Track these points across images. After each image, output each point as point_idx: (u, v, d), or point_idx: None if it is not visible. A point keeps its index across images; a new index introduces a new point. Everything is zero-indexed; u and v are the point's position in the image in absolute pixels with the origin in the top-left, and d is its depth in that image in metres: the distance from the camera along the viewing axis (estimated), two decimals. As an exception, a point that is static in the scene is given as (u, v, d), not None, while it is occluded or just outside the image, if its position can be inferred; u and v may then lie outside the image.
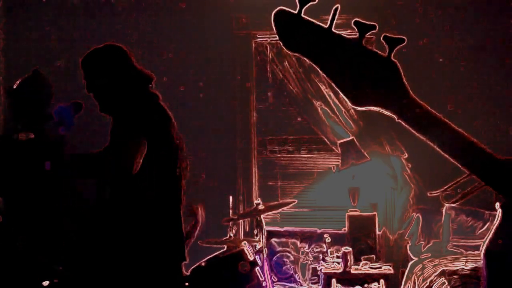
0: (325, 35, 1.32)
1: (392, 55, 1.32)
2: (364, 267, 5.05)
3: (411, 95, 1.33)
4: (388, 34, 1.31)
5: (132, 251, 2.72)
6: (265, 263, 4.44)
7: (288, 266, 5.63)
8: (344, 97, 1.34)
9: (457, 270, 4.32)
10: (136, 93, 2.86)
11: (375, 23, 1.33)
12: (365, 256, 5.13)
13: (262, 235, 4.53)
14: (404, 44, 1.31)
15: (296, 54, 1.35)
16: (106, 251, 2.75)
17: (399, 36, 1.32)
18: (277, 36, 1.35)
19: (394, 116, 1.33)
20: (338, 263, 5.09)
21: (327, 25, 1.33)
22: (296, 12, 1.33)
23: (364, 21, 1.31)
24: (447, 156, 1.34)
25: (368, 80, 1.32)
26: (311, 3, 1.32)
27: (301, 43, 1.33)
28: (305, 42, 1.32)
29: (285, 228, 5.72)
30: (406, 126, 1.35)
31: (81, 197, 2.89)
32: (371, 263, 5.09)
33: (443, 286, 4.18)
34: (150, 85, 2.93)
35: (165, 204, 2.80)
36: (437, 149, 1.33)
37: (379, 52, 1.33)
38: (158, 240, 2.76)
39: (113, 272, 2.74)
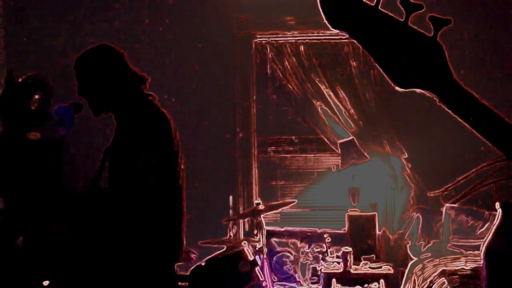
0: (371, 13, 1.30)
1: (438, 36, 1.31)
2: (364, 267, 5.05)
3: (454, 78, 1.31)
4: (434, 15, 1.29)
5: (130, 251, 2.73)
6: (265, 263, 4.44)
7: (288, 266, 5.63)
8: (387, 78, 1.32)
9: (457, 270, 4.32)
10: (129, 94, 2.85)
11: (421, 2, 1.30)
12: (365, 256, 5.13)
13: (262, 235, 4.53)
14: (450, 25, 1.29)
15: (340, 31, 1.32)
16: (104, 250, 2.76)
17: (446, 17, 1.31)
18: (322, 13, 1.31)
19: (436, 99, 1.31)
20: (338, 263, 5.09)
21: (374, 2, 1.31)
22: None
23: (411, 1, 1.29)
24: (487, 141, 1.33)
25: (412, 61, 1.30)
26: None
27: (345, 20, 1.30)
28: (350, 19, 1.30)
29: (285, 228, 5.72)
30: (447, 109, 1.33)
31: (79, 197, 2.89)
32: (371, 263, 5.09)
33: (443, 286, 4.18)
34: (144, 86, 2.90)
35: (162, 205, 2.79)
36: (478, 134, 1.32)
37: (425, 32, 1.31)
38: (156, 240, 2.76)
39: (110, 270, 2.74)
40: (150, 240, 2.75)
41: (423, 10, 1.29)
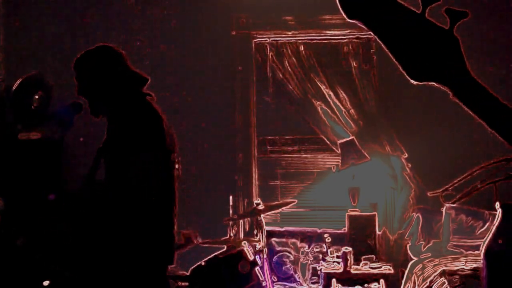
0: (387, 4, 1.29)
1: (455, 29, 1.30)
2: (364, 267, 5.05)
3: (470, 72, 1.30)
4: (451, 7, 1.28)
5: (122, 251, 2.73)
6: (265, 263, 4.44)
7: (288, 266, 5.63)
8: (402, 70, 1.31)
9: (457, 270, 4.32)
10: (128, 94, 2.86)
11: None
12: (365, 256, 5.13)
13: (262, 235, 4.53)
14: (467, 18, 1.28)
15: (356, 21, 1.30)
16: (99, 250, 2.76)
17: (463, 10, 1.29)
18: (338, 4, 1.30)
19: (450, 93, 1.30)
20: (338, 263, 5.09)
21: None
22: None
23: None
24: (500, 137, 1.31)
25: (428, 53, 1.29)
26: None
27: (362, 11, 1.29)
28: (367, 10, 1.29)
29: (285, 228, 5.72)
30: (461, 103, 1.31)
31: (76, 197, 2.89)
32: (371, 263, 5.09)
33: (443, 286, 4.18)
34: (143, 86, 2.91)
35: (158, 205, 2.80)
36: (490, 129, 1.31)
37: (441, 25, 1.31)
38: (148, 242, 2.76)
39: (104, 271, 2.75)
40: (145, 241, 2.75)
41: (440, 2, 1.29)
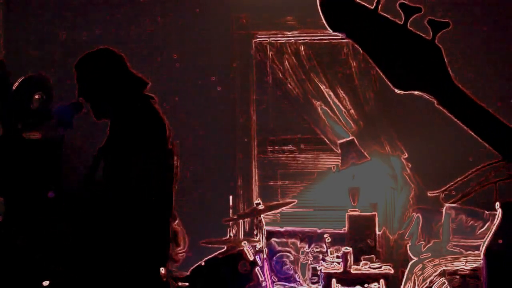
0: (370, 16, 1.31)
1: (437, 38, 1.31)
2: (364, 267, 5.05)
3: (453, 81, 1.32)
4: (433, 18, 1.30)
5: (121, 250, 2.74)
6: (265, 263, 4.44)
7: (288, 266, 5.63)
8: (387, 80, 1.33)
9: (457, 270, 4.32)
10: (129, 97, 2.87)
11: (420, 6, 1.31)
12: (365, 256, 5.13)
13: (262, 235, 4.53)
14: (449, 28, 1.30)
15: (340, 34, 1.33)
16: (98, 250, 2.77)
17: (444, 20, 1.31)
18: (322, 16, 1.32)
19: (435, 101, 1.32)
20: (338, 263, 5.09)
21: (373, 6, 1.32)
22: None
23: (409, 4, 1.30)
24: (485, 143, 1.33)
25: (411, 63, 1.31)
26: None
27: (345, 23, 1.31)
28: (350, 22, 1.31)
29: (285, 228, 5.72)
30: (446, 111, 1.33)
31: (76, 197, 2.89)
32: (371, 263, 5.09)
33: (443, 286, 4.18)
34: (145, 89, 2.92)
35: (156, 207, 2.80)
36: (476, 136, 1.33)
37: (423, 35, 1.32)
38: (144, 243, 2.76)
39: (103, 270, 2.76)
40: (143, 241, 2.75)
41: (421, 13, 1.30)
